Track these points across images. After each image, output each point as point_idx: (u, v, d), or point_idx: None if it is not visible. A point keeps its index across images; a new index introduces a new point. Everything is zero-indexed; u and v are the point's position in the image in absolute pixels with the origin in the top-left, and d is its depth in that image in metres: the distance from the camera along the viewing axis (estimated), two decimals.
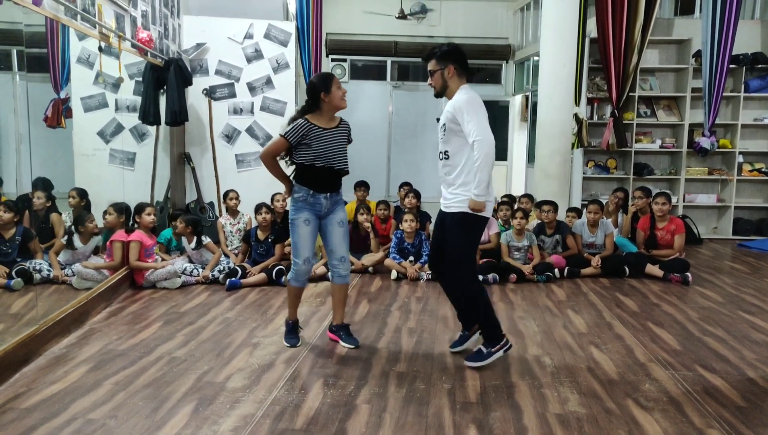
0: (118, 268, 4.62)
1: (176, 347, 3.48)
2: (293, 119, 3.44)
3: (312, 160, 3.38)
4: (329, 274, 3.66)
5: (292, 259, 3.53)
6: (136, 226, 4.88)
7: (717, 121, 7.33)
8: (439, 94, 3.35)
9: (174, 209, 5.89)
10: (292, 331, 3.61)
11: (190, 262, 5.16)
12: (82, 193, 4.65)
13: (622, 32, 6.98)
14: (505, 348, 3.32)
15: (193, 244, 5.18)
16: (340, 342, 3.59)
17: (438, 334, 3.80)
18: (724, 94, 7.21)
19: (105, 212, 4.74)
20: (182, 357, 3.33)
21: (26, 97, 3.53)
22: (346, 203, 3.83)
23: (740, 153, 7.62)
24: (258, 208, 5.28)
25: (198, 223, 5.35)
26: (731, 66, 7.17)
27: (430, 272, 5.23)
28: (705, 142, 7.25)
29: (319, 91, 3.38)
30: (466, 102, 3.15)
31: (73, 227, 4.32)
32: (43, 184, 4.01)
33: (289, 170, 3.55)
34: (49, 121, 4.24)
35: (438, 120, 3.37)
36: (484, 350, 3.29)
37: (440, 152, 3.31)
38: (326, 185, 3.45)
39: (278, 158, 3.50)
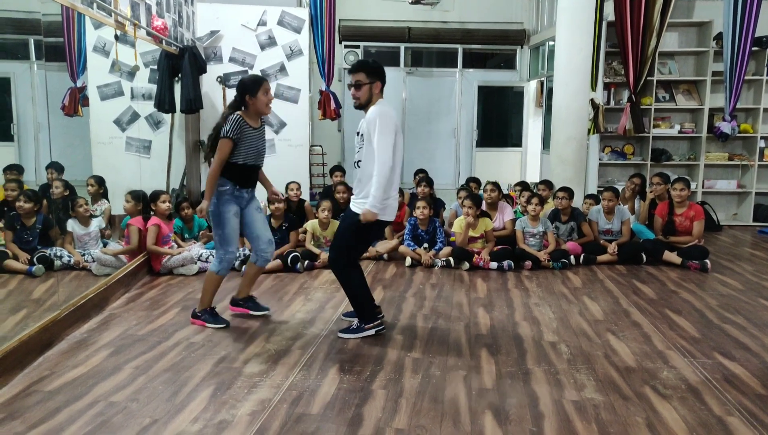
0: (135, 252, 4.66)
1: (194, 333, 3.52)
2: (225, 116, 3.54)
3: (243, 159, 3.51)
4: (252, 257, 3.79)
5: (221, 250, 3.60)
6: (152, 213, 4.92)
7: (738, 106, 7.19)
8: (361, 106, 3.43)
9: (178, 196, 5.91)
10: (216, 314, 3.72)
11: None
12: (100, 181, 4.70)
13: (641, 15, 6.85)
14: (378, 329, 3.53)
15: None
16: (251, 312, 3.79)
17: (453, 321, 3.80)
18: (746, 77, 7.06)
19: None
20: (200, 342, 3.37)
21: (45, 86, 3.56)
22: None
23: (762, 138, 7.48)
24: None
25: None
26: (754, 48, 7.02)
27: (444, 259, 5.23)
28: (726, 127, 7.12)
29: (245, 93, 3.49)
30: (379, 116, 3.28)
31: (71, 212, 4.35)
32: (54, 168, 4.04)
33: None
34: (67, 109, 4.28)
35: (359, 133, 3.46)
36: (356, 325, 3.53)
37: (357, 161, 3.45)
38: (249, 181, 3.63)
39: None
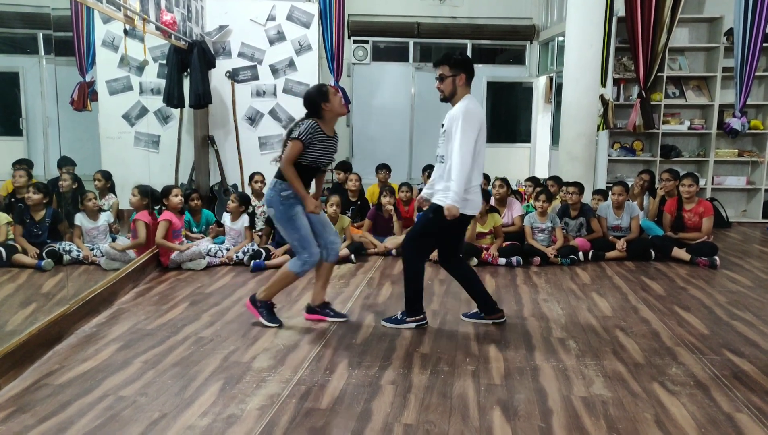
0: (144, 247, 4.67)
1: (202, 327, 3.54)
2: (299, 121, 3.49)
3: (317, 162, 3.48)
4: (324, 254, 3.62)
5: (304, 254, 3.47)
6: (164, 208, 4.93)
7: (748, 102, 7.13)
8: (446, 99, 3.44)
9: (187, 190, 5.90)
10: (273, 312, 3.65)
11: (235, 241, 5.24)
12: (107, 175, 4.71)
13: (651, 10, 6.80)
14: (420, 323, 3.58)
15: (240, 222, 5.21)
16: (328, 319, 3.66)
17: (461, 316, 3.80)
18: (757, 73, 7.00)
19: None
20: (209, 337, 3.38)
21: (54, 81, 3.57)
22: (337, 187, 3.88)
23: None
24: None
25: (249, 200, 5.41)
26: (765, 44, 6.95)
27: None
28: (736, 123, 7.06)
29: (319, 103, 3.44)
30: (463, 114, 3.30)
31: (80, 206, 4.36)
32: (65, 163, 4.06)
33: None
34: (75, 104, 4.30)
35: (442, 126, 3.47)
36: (400, 316, 3.59)
37: (439, 156, 3.46)
38: (310, 183, 3.60)
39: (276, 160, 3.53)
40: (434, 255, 5.18)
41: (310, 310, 3.73)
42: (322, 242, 3.61)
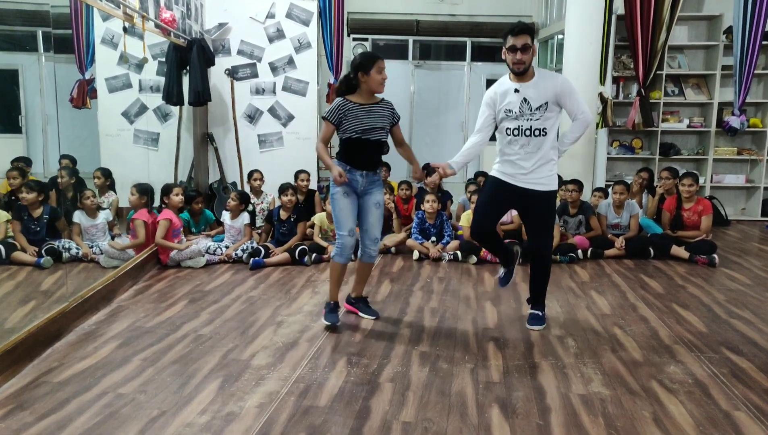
0: (142, 246, 4.67)
1: (202, 325, 3.54)
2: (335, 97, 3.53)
3: (349, 134, 3.44)
4: (359, 251, 3.66)
5: (336, 234, 3.51)
6: (164, 206, 4.92)
7: (748, 100, 7.12)
8: (522, 72, 3.29)
9: (186, 188, 5.89)
10: (333, 310, 3.57)
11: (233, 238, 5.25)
12: (106, 173, 4.71)
13: (651, 8, 6.80)
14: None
15: (240, 220, 5.21)
16: (359, 313, 3.69)
17: (460, 314, 3.80)
18: (756, 71, 6.99)
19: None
20: (208, 335, 3.38)
21: (54, 79, 3.57)
22: None
23: None
24: (284, 189, 5.28)
25: (249, 199, 5.41)
26: (764, 42, 6.95)
27: (451, 253, 5.22)
28: (735, 122, 7.06)
29: (358, 70, 3.42)
30: (566, 80, 3.44)
31: (78, 204, 4.35)
32: (68, 160, 4.06)
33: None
34: (75, 101, 4.30)
35: (526, 100, 3.31)
36: (541, 314, 3.61)
37: (536, 129, 3.33)
38: (362, 162, 3.49)
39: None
40: (434, 252, 5.20)
41: (348, 300, 3.79)
42: (361, 241, 3.62)
